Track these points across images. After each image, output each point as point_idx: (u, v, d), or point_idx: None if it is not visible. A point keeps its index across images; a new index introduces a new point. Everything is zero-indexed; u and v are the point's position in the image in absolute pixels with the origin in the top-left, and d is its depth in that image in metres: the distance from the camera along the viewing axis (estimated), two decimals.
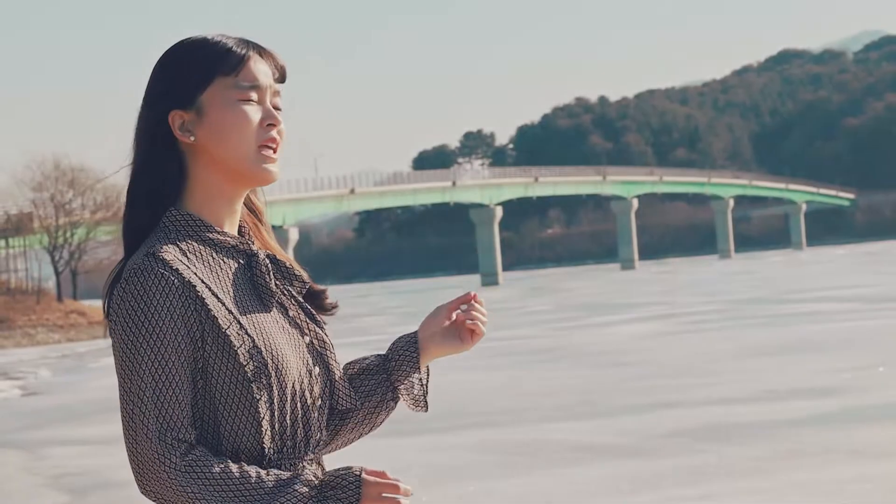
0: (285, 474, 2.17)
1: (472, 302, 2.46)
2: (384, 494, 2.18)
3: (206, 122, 2.26)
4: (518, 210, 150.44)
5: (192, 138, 2.26)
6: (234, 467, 2.15)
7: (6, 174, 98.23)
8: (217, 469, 2.14)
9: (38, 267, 67.37)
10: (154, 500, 2.17)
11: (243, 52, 2.28)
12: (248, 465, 2.18)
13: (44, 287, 65.66)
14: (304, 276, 2.39)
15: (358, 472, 2.19)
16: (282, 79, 2.34)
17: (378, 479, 2.18)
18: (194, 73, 2.26)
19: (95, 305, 63.22)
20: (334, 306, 2.43)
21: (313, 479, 2.18)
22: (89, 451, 15.65)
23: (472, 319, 2.45)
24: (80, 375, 32.00)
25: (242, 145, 2.27)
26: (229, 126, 2.26)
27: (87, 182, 65.43)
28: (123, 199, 2.32)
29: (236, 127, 2.26)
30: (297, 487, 2.16)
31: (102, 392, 24.57)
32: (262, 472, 2.16)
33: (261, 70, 2.30)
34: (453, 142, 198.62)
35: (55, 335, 57.84)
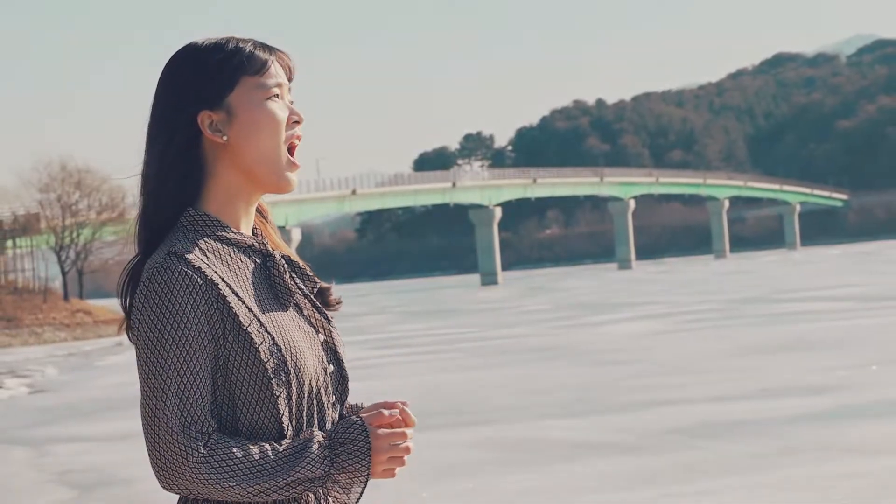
0: (297, 442, 2.21)
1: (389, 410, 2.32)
2: (392, 443, 2.24)
3: (237, 122, 2.29)
4: (517, 211, 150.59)
5: (225, 138, 2.28)
6: (252, 448, 2.17)
7: (14, 175, 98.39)
8: (238, 453, 2.16)
9: (45, 267, 67.42)
10: (178, 493, 2.19)
11: (265, 53, 2.33)
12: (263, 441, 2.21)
13: (50, 286, 65.71)
14: (314, 276, 2.41)
15: (361, 422, 2.23)
16: (291, 77, 2.38)
17: (385, 430, 2.23)
18: (221, 75, 2.28)
19: (101, 305, 63.27)
20: (338, 302, 2.45)
21: (323, 439, 2.21)
22: (95, 448, 15.64)
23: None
24: (86, 373, 32.00)
25: (274, 144, 2.30)
26: (261, 125, 2.29)
27: (93, 183, 65.49)
28: (139, 196, 2.32)
29: (268, 126, 2.30)
30: (311, 451, 2.20)
31: (108, 390, 24.60)
32: (277, 446, 2.19)
33: (280, 69, 2.35)
34: (453, 144, 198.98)
35: (61, 334, 57.86)
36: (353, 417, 2.26)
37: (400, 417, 2.26)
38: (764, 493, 9.49)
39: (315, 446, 2.20)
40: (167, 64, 2.32)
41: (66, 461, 14.77)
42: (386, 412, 2.25)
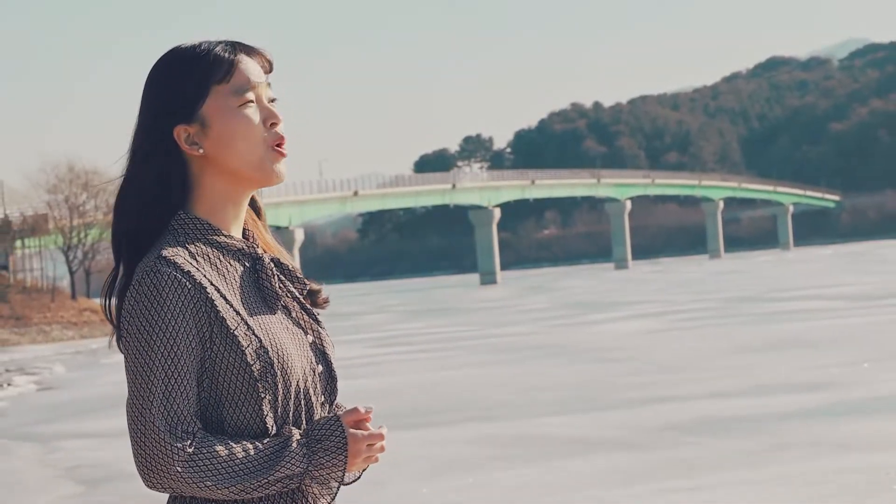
0: (277, 440, 2.20)
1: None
2: (368, 444, 2.24)
3: (211, 133, 2.26)
4: (515, 211, 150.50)
5: (201, 150, 2.26)
6: (235, 447, 2.17)
7: (22, 177, 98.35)
8: (222, 452, 2.15)
9: (53, 266, 67.40)
10: (162, 492, 2.18)
11: (231, 56, 2.27)
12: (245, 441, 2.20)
13: (58, 286, 65.69)
14: (304, 278, 2.39)
15: (336, 419, 2.23)
16: (270, 70, 2.34)
17: (362, 432, 2.23)
18: (190, 87, 2.25)
19: None
20: (326, 301, 2.42)
21: (301, 437, 2.21)
22: (102, 444, 15.64)
23: None
24: (93, 371, 32.01)
25: (250, 150, 2.27)
26: (235, 134, 2.26)
27: (100, 184, 65.44)
28: (120, 205, 2.28)
29: (241, 134, 2.26)
30: (290, 449, 2.19)
31: (115, 387, 24.58)
32: (258, 444, 2.19)
33: (251, 69, 2.29)
34: (453, 146, 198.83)
35: (69, 332, 57.86)
36: (330, 415, 2.27)
37: (371, 413, 2.27)
38: (758, 488, 9.49)
39: (294, 444, 2.19)
40: (148, 74, 2.30)
41: (73, 457, 14.77)
42: (362, 408, 2.25)
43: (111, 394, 23.01)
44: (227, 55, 2.27)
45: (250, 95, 2.27)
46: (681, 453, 11.36)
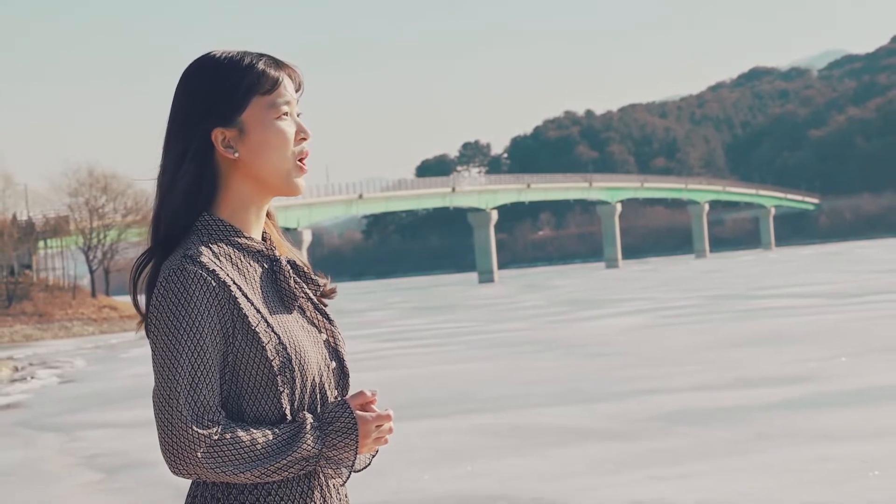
0: (292, 425, 2.21)
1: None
2: (376, 425, 2.25)
3: (248, 140, 2.27)
4: (512, 214, 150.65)
5: (236, 154, 2.27)
6: (256, 433, 2.18)
7: (46, 181, 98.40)
8: (245, 439, 2.16)
9: (74, 265, 67.51)
10: (188, 478, 2.19)
11: (278, 72, 2.29)
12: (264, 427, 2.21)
13: (79, 284, 65.76)
14: (317, 279, 2.40)
15: (344, 402, 2.24)
16: (299, 90, 2.36)
17: (370, 414, 2.25)
18: (235, 94, 2.26)
19: (126, 301, 63.21)
20: (333, 290, 2.43)
21: (313, 420, 2.22)
22: (121, 434, 15.65)
23: None
24: (112, 365, 32.00)
25: (281, 160, 2.29)
26: (271, 144, 2.27)
27: (118, 188, 65.53)
28: (155, 199, 2.29)
29: (277, 144, 2.28)
30: (305, 432, 2.20)
31: (132, 380, 24.59)
32: (275, 430, 2.20)
33: (289, 86, 2.32)
34: (453, 151, 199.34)
35: (89, 328, 57.90)
36: (338, 399, 2.28)
37: (376, 395, 2.28)
38: (740, 476, 9.49)
39: (308, 427, 2.20)
40: (184, 75, 2.29)
41: (93, 446, 14.77)
42: (367, 391, 2.26)
43: (130, 386, 23.03)
44: (273, 70, 2.29)
45: (286, 108, 2.29)
46: (668, 442, 11.36)
